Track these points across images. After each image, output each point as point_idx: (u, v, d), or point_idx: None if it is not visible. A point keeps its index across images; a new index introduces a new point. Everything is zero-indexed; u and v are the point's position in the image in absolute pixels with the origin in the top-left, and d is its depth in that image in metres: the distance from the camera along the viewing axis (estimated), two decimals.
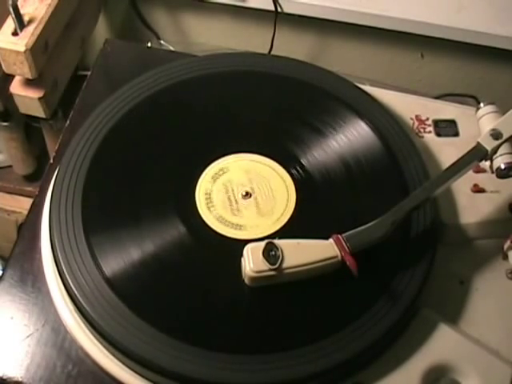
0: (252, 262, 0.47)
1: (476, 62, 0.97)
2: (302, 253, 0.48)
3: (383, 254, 0.51)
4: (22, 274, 0.54)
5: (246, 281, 0.49)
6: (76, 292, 0.48)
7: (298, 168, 0.57)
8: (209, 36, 1.04)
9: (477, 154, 0.51)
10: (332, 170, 0.57)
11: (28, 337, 0.51)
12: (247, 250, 0.48)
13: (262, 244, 0.47)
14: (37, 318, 0.52)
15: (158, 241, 0.52)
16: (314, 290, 0.49)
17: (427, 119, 0.63)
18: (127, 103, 0.60)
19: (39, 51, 0.72)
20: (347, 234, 0.48)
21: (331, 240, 0.48)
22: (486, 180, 0.58)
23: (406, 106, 0.64)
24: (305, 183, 0.56)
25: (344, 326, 0.48)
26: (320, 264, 0.48)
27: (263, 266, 0.47)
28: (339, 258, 0.48)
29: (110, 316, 0.47)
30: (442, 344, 0.50)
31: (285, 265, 0.47)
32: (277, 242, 0.48)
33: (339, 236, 0.48)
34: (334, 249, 0.48)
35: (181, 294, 0.50)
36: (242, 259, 0.48)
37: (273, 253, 0.47)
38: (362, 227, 0.49)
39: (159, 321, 0.47)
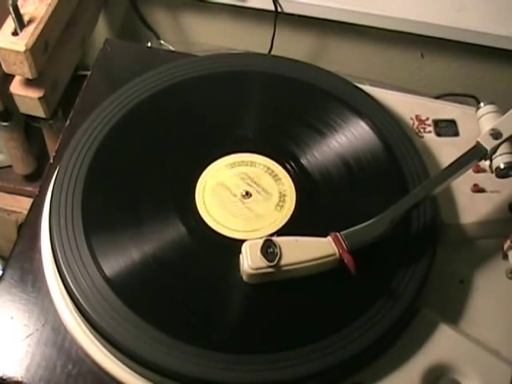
0: (250, 259, 0.47)
1: (476, 62, 0.97)
2: (300, 250, 0.48)
3: (383, 253, 0.51)
4: (22, 274, 0.54)
5: (244, 278, 0.49)
6: (76, 292, 0.48)
7: (298, 168, 0.57)
8: (209, 36, 1.04)
9: (476, 154, 0.51)
10: (332, 170, 0.57)
11: (28, 337, 0.51)
12: (245, 247, 0.48)
13: (260, 241, 0.47)
14: (37, 318, 0.52)
15: (158, 241, 0.52)
16: (313, 290, 0.49)
17: (427, 119, 0.63)
18: (127, 103, 0.60)
19: (39, 51, 0.72)
20: (345, 231, 0.49)
21: (329, 238, 0.48)
22: (486, 180, 0.58)
23: (406, 106, 0.64)
24: (305, 183, 0.56)
25: (344, 326, 0.48)
26: (318, 262, 0.48)
27: (261, 263, 0.47)
28: (337, 255, 0.48)
29: (109, 316, 0.47)
30: (442, 344, 0.49)
31: (283, 262, 0.47)
32: (275, 239, 0.48)
33: (337, 234, 0.48)
34: (332, 246, 0.48)
35: (181, 294, 0.50)
36: (241, 256, 0.48)
37: (271, 250, 0.47)
38: (361, 225, 0.49)
39: (159, 320, 0.47)
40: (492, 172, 0.52)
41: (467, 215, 0.56)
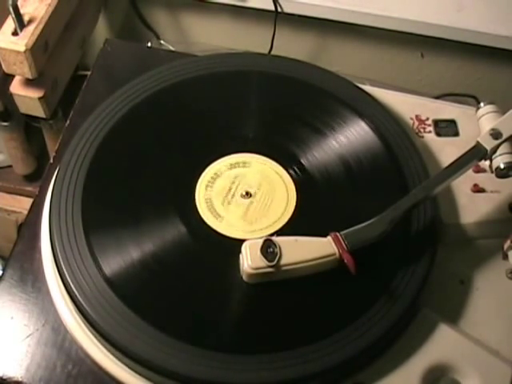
0: (250, 259, 0.47)
1: (476, 62, 0.97)
2: (300, 250, 0.48)
3: (383, 253, 0.51)
4: (22, 274, 0.54)
5: (244, 277, 0.49)
6: (76, 292, 0.48)
7: (299, 168, 0.57)
8: (209, 36, 1.04)
9: (476, 154, 0.51)
10: (332, 170, 0.57)
11: (28, 337, 0.51)
12: (245, 247, 0.48)
13: (260, 241, 0.47)
14: (37, 318, 0.52)
15: (158, 241, 0.52)
16: (314, 290, 0.49)
17: (427, 119, 0.63)
18: (127, 103, 0.60)
19: (39, 51, 0.72)
20: (345, 231, 0.49)
21: (329, 237, 0.48)
22: (486, 180, 0.58)
23: (406, 106, 0.64)
24: (305, 183, 0.56)
25: (344, 326, 0.48)
26: (318, 261, 0.48)
27: (261, 262, 0.47)
28: (337, 255, 0.48)
29: (110, 316, 0.47)
30: (442, 344, 0.49)
31: (283, 262, 0.47)
32: (275, 239, 0.48)
33: (337, 234, 0.48)
34: (332, 246, 0.48)
35: (181, 294, 0.50)
36: (240, 256, 0.48)
37: (271, 250, 0.47)
38: (361, 225, 0.49)
39: (159, 321, 0.47)
40: (492, 172, 0.52)
41: (467, 215, 0.56)
